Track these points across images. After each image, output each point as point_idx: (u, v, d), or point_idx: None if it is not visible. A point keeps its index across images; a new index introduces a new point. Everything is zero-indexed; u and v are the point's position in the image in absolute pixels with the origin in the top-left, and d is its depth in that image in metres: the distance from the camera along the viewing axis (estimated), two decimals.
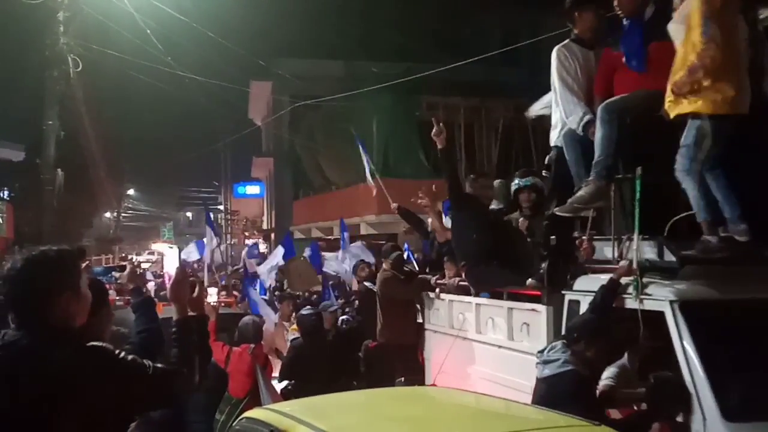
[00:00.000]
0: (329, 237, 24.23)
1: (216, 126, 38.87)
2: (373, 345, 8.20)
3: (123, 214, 56.14)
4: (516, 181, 6.72)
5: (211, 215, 16.97)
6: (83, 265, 2.90)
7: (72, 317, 2.71)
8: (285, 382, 7.83)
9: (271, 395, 6.59)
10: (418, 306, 7.87)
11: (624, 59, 5.30)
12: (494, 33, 24.31)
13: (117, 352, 2.69)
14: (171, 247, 31.00)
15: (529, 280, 5.77)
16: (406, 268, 8.53)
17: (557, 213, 5.55)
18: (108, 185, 36.88)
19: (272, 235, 31.43)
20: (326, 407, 4.41)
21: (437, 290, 7.34)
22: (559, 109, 5.74)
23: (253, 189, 39.74)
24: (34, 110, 18.86)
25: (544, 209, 6.21)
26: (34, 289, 2.64)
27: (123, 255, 44.12)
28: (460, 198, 6.76)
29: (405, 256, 9.21)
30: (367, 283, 9.61)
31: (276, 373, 7.97)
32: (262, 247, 38.41)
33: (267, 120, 31.08)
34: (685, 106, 4.63)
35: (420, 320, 7.86)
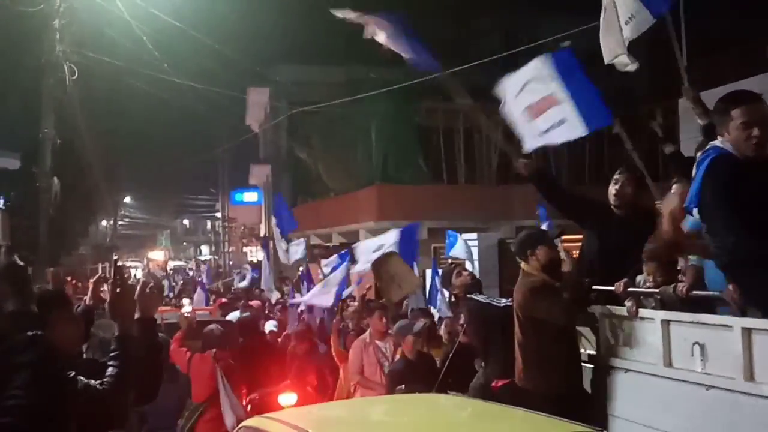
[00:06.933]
0: (327, 244, 24.14)
1: (213, 133, 38.86)
2: (500, 385, 5.54)
3: (120, 222, 55.99)
4: None
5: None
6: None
7: None
8: None
9: (231, 401, 6.60)
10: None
11: None
12: (493, 37, 24.28)
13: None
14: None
15: None
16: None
17: None
18: (105, 193, 36.72)
19: (270, 243, 31.26)
20: (329, 416, 4.32)
21: (630, 304, 4.85)
22: None
23: (250, 196, 39.68)
24: (30, 118, 18.77)
25: None
26: None
27: (121, 264, 43.92)
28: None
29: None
30: (480, 297, 6.24)
31: None
32: (260, 255, 38.40)
33: (264, 127, 31.01)
34: None
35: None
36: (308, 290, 10.58)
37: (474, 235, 14.66)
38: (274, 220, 12.58)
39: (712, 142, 4.15)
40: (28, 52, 18.31)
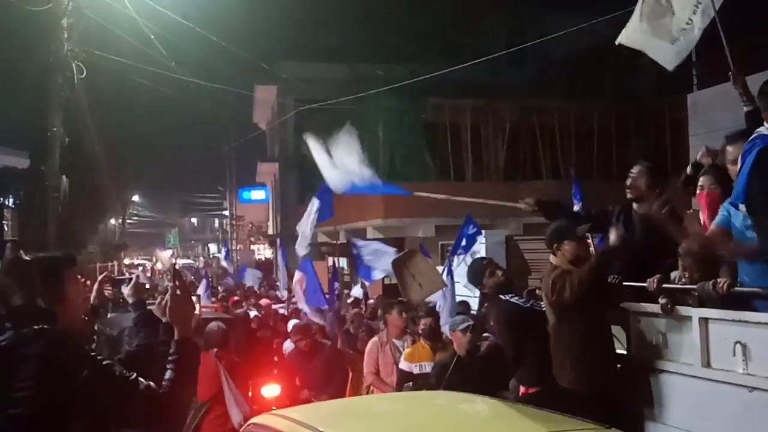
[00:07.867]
0: (334, 242, 24.14)
1: (220, 131, 38.99)
2: (528, 392, 5.40)
3: (128, 221, 56.16)
4: None
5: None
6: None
7: None
8: None
9: (236, 399, 6.63)
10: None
11: None
12: (499, 33, 24.26)
13: None
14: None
15: None
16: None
17: None
18: (113, 191, 36.88)
19: (278, 241, 31.39)
20: (337, 413, 4.33)
21: (664, 301, 4.61)
22: None
23: (258, 194, 39.70)
24: (38, 117, 18.81)
25: None
26: None
27: (130, 262, 44.18)
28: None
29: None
30: (518, 300, 5.77)
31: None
32: (268, 253, 38.44)
33: (272, 124, 31.05)
34: None
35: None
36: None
37: (482, 232, 14.63)
38: (316, 203, 11.86)
39: (757, 130, 3.91)
40: (35, 50, 18.38)
